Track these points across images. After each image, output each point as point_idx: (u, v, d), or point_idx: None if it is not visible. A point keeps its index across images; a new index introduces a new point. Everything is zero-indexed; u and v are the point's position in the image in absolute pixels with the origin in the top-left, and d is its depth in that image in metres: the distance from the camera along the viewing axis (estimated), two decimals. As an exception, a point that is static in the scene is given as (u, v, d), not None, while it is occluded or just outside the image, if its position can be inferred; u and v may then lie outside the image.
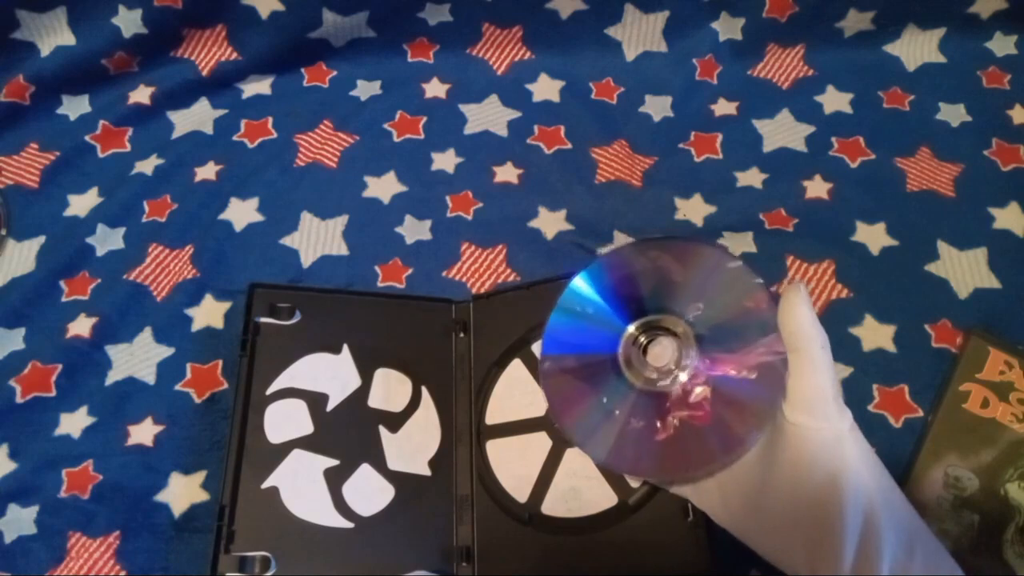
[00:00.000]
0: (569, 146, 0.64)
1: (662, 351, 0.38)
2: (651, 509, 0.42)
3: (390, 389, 0.50)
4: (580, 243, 0.59)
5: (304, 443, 0.47)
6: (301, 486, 0.46)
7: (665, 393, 0.38)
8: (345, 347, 0.51)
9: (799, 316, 0.35)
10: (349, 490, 0.46)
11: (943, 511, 0.48)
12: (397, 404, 0.50)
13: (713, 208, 0.60)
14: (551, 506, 0.45)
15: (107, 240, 0.60)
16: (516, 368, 0.49)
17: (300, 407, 0.48)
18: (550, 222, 0.60)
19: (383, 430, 0.49)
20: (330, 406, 0.49)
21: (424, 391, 0.50)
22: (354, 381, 0.50)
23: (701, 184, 0.62)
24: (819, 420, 0.33)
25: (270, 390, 0.48)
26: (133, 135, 0.65)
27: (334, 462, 0.47)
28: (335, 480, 0.47)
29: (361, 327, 0.51)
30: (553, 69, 0.69)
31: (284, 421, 0.48)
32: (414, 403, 0.50)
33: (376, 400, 0.49)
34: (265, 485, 0.46)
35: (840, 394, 0.34)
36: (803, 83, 0.67)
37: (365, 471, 0.47)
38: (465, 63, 0.69)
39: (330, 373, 0.50)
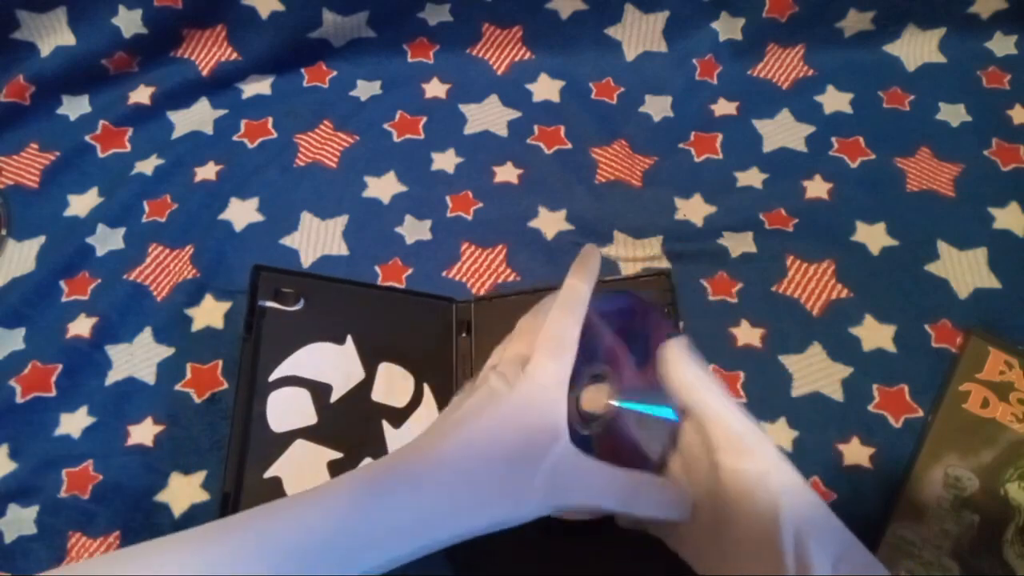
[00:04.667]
0: (569, 146, 0.64)
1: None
2: (651, 509, 0.42)
3: (393, 384, 0.50)
4: (580, 243, 0.59)
5: (307, 433, 0.47)
6: (304, 477, 0.46)
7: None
8: (349, 338, 0.50)
9: (677, 375, 0.35)
10: (351, 486, 0.46)
11: (943, 511, 0.48)
12: (400, 400, 0.49)
13: (713, 208, 0.60)
14: (551, 506, 0.45)
15: (107, 240, 0.59)
16: (516, 368, 0.49)
17: (304, 396, 0.48)
18: (550, 222, 0.60)
19: (386, 425, 0.48)
20: (334, 397, 0.48)
21: (426, 388, 0.50)
22: (358, 373, 0.49)
23: (701, 184, 0.61)
24: (743, 462, 0.33)
25: (273, 376, 0.48)
26: (133, 135, 0.65)
27: (338, 455, 0.47)
28: (339, 473, 0.46)
29: (365, 320, 0.51)
30: (553, 69, 0.69)
31: (287, 410, 0.47)
32: (416, 400, 0.50)
33: (380, 394, 0.49)
34: (268, 475, 0.46)
35: (754, 429, 0.34)
36: (803, 83, 0.67)
37: (367, 467, 0.47)
38: (465, 63, 0.69)
39: (334, 363, 0.49)
